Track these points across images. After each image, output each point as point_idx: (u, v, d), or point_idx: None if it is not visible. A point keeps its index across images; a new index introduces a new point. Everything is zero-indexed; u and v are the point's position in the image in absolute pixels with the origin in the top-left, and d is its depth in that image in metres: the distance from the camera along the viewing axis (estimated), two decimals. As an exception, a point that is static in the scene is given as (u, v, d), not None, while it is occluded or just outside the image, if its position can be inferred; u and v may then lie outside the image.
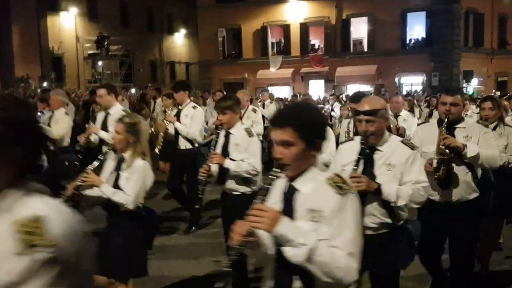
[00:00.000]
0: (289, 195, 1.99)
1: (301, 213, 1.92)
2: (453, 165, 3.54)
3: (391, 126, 6.11)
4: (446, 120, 3.55)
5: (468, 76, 24.46)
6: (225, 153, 4.11)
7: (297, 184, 1.98)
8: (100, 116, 5.86)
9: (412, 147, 3.02)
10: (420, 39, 26.35)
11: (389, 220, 2.97)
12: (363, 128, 2.95)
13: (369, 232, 2.94)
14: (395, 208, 2.95)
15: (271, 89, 26.87)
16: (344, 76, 26.30)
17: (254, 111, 7.35)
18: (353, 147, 3.04)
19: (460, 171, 3.58)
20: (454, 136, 3.56)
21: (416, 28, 26.44)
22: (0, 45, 23.65)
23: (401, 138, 3.18)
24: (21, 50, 24.50)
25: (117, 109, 5.59)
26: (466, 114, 9.21)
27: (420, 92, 22.70)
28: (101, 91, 5.71)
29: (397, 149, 2.97)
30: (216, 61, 29.42)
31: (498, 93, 14.17)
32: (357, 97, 5.56)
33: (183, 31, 36.88)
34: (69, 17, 27.36)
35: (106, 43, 26.33)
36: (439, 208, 3.64)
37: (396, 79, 26.15)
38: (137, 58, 31.30)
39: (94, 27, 28.27)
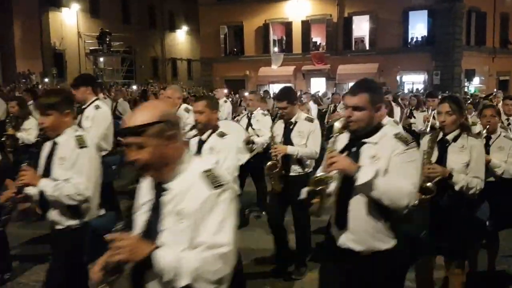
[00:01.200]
0: None
1: None
2: (358, 196, 2.46)
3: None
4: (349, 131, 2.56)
5: (470, 75, 24.50)
6: (47, 170, 3.02)
7: None
8: None
9: (216, 183, 1.80)
10: (422, 38, 26.33)
11: None
12: (131, 157, 1.83)
13: None
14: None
15: (273, 86, 27.11)
16: (345, 74, 26.27)
17: (187, 110, 5.81)
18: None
19: (363, 206, 2.45)
20: (358, 155, 2.48)
21: (418, 27, 26.42)
22: (2, 41, 23.66)
23: (205, 168, 1.85)
24: (23, 46, 24.50)
25: None
26: None
27: (422, 90, 22.68)
28: None
29: (192, 188, 1.81)
30: (218, 58, 29.41)
31: (499, 91, 14.14)
32: (281, 94, 4.59)
33: (184, 28, 36.91)
34: (71, 13, 27.36)
35: (107, 39, 26.34)
36: (343, 256, 2.55)
37: (398, 78, 26.15)
38: (139, 54, 31.36)
39: (95, 23, 28.28)
